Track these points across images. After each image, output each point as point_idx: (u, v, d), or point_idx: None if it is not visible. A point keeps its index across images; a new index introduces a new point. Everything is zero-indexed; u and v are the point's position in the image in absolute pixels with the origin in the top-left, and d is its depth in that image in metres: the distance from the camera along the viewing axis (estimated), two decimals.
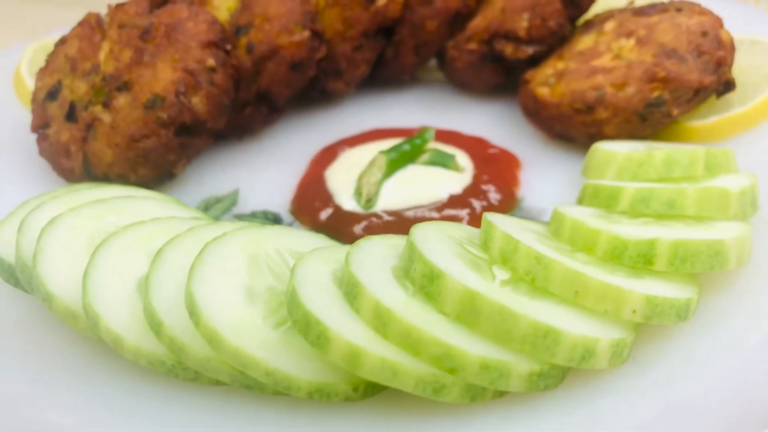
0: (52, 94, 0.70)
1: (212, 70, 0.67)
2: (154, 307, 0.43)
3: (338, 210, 0.63)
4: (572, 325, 0.40)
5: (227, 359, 0.41)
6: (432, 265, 0.41)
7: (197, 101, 0.65)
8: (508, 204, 0.63)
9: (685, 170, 0.55)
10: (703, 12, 0.69)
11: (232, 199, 0.68)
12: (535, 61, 0.75)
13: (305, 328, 0.40)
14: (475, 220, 0.60)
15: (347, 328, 0.39)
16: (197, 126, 0.66)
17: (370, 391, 0.42)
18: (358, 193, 0.64)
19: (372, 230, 0.60)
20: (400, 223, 0.60)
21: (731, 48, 0.66)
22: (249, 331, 0.42)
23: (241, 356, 0.41)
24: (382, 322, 0.40)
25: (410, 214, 0.61)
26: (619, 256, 0.46)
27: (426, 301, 0.41)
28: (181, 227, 0.52)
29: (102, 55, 0.69)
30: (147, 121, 0.64)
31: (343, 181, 0.66)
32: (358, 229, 0.60)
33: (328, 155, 0.71)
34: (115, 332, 0.43)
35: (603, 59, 0.69)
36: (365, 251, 0.44)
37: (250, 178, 0.71)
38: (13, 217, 0.58)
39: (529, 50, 0.74)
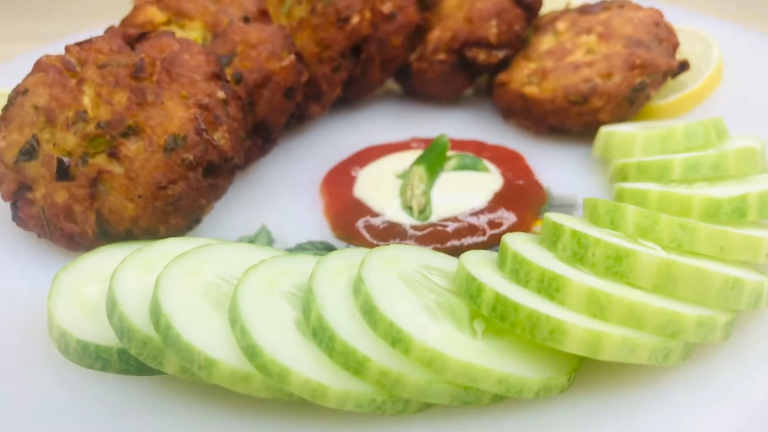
0: (28, 152, 0.60)
1: (225, 102, 0.62)
2: (352, 346, 0.40)
3: (395, 226, 0.62)
4: (746, 275, 0.44)
5: (453, 377, 0.40)
6: (618, 247, 0.44)
7: (219, 137, 0.60)
8: (542, 194, 0.67)
9: (703, 139, 0.63)
10: (641, 7, 0.79)
11: (266, 236, 0.64)
12: (502, 65, 0.80)
13: (534, 327, 0.40)
14: (526, 215, 0.63)
15: (573, 319, 0.40)
16: (224, 164, 0.61)
17: (573, 380, 0.43)
18: (407, 207, 0.64)
19: (438, 239, 0.60)
20: (466, 229, 0.61)
21: (676, 35, 0.76)
22: (460, 346, 0.41)
23: (470, 371, 0.40)
24: (599, 306, 0.41)
25: (467, 219, 0.62)
26: (715, 214, 0.52)
27: (617, 279, 0.44)
28: (296, 264, 0.49)
29: (87, 101, 0.61)
30: (171, 165, 0.58)
31: (383, 198, 0.65)
32: (421, 239, 0.60)
33: (342, 177, 0.70)
34: (315, 383, 0.40)
35: (576, 55, 0.75)
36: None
37: (269, 213, 0.67)
38: (66, 294, 0.49)
39: (500, 54, 0.79)
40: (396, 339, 0.41)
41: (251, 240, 0.63)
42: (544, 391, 0.41)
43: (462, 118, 0.83)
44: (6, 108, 0.63)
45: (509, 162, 0.71)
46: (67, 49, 0.65)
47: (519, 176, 0.68)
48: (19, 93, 0.63)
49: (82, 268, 0.53)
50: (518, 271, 0.44)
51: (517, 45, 0.80)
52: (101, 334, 0.47)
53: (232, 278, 0.48)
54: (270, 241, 0.63)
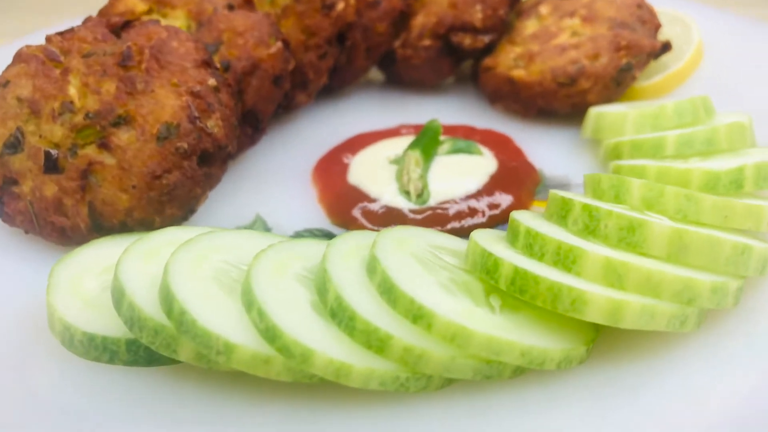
0: (13, 145, 0.58)
1: (217, 90, 0.61)
2: (374, 324, 0.40)
3: (393, 211, 0.62)
4: (753, 242, 0.45)
5: (476, 351, 0.40)
6: (631, 218, 0.44)
7: (212, 124, 0.59)
8: (535, 175, 0.67)
9: (692, 116, 0.64)
10: None
11: (262, 225, 0.63)
12: (487, 49, 0.80)
13: (555, 298, 0.40)
14: (522, 195, 0.63)
15: (594, 289, 0.41)
16: (218, 152, 0.60)
17: (591, 351, 0.44)
18: (404, 191, 0.63)
19: (438, 221, 0.60)
20: (465, 211, 0.61)
21: (657, 16, 0.77)
22: (481, 321, 0.41)
23: (494, 344, 0.40)
24: (616, 275, 0.41)
25: (465, 201, 0.62)
26: (714, 186, 0.53)
27: (629, 250, 0.44)
28: (304, 248, 0.48)
29: (73, 91, 0.59)
30: (165, 154, 0.57)
31: (378, 184, 0.65)
32: (421, 223, 0.60)
33: (333, 165, 0.69)
34: (338, 363, 0.39)
35: (561, 38, 0.76)
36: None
37: (261, 202, 0.66)
38: (65, 288, 0.48)
39: (486, 39, 0.79)
40: (417, 315, 0.40)
41: (247, 229, 0.62)
42: (565, 363, 0.41)
43: (447, 104, 0.83)
44: None
45: (501, 145, 0.71)
46: (48, 38, 0.63)
47: (512, 158, 0.68)
48: (0, 85, 0.60)
49: (78, 262, 0.51)
50: (532, 245, 0.44)
51: (501, 29, 0.80)
52: (107, 326, 0.45)
53: (240, 264, 0.47)
54: (266, 230, 0.62)
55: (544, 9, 0.81)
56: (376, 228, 0.61)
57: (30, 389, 0.46)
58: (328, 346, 0.40)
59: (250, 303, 0.41)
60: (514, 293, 0.42)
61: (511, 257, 0.43)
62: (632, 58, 0.72)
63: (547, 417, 0.42)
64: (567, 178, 0.67)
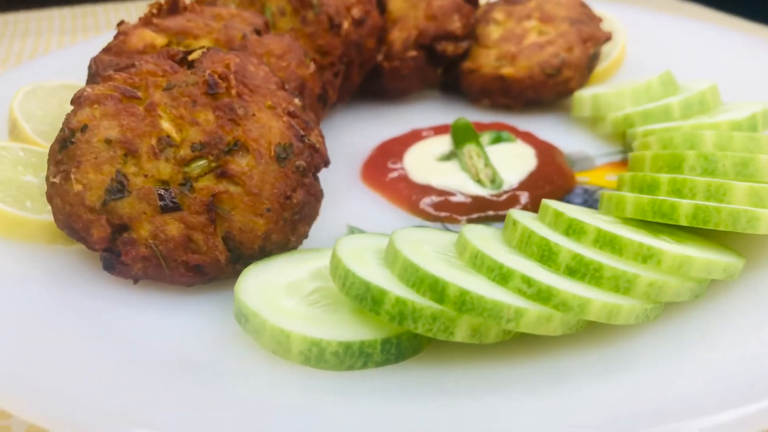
0: (117, 190, 0.55)
1: (304, 108, 0.63)
2: (622, 269, 0.46)
3: (478, 199, 0.67)
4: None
5: (696, 274, 0.48)
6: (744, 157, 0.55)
7: (314, 140, 0.61)
8: (559, 151, 0.77)
9: (671, 86, 0.78)
10: None
11: (360, 233, 0.65)
12: (464, 55, 0.89)
13: (735, 221, 0.50)
14: (565, 170, 0.73)
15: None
16: (324, 166, 0.61)
17: None
18: (476, 180, 0.69)
19: (516, 201, 0.67)
20: (544, 193, 0.68)
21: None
22: (689, 252, 0.49)
23: (710, 264, 0.48)
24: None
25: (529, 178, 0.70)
26: (738, 128, 0.66)
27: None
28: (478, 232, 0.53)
29: (166, 125, 0.57)
30: (288, 174, 0.57)
31: (448, 179, 0.70)
32: (518, 207, 0.67)
33: (385, 172, 0.73)
34: (611, 305, 0.45)
35: (531, 37, 0.87)
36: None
37: (341, 215, 0.68)
38: (278, 313, 0.47)
39: (465, 45, 0.88)
40: (647, 255, 0.48)
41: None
42: (728, 273, 0.50)
43: (430, 110, 0.90)
44: (62, 150, 0.55)
45: (515, 132, 0.80)
46: (110, 77, 0.59)
47: (535, 141, 0.78)
48: (75, 131, 0.56)
49: (254, 295, 0.50)
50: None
51: (472, 36, 0.89)
52: (353, 333, 0.46)
53: (444, 250, 0.50)
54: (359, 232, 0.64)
55: (498, 15, 0.92)
56: (470, 217, 0.66)
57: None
58: (594, 294, 0.45)
59: (507, 274, 0.45)
60: (694, 224, 0.51)
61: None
62: (595, 47, 0.86)
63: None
64: (585, 152, 0.78)
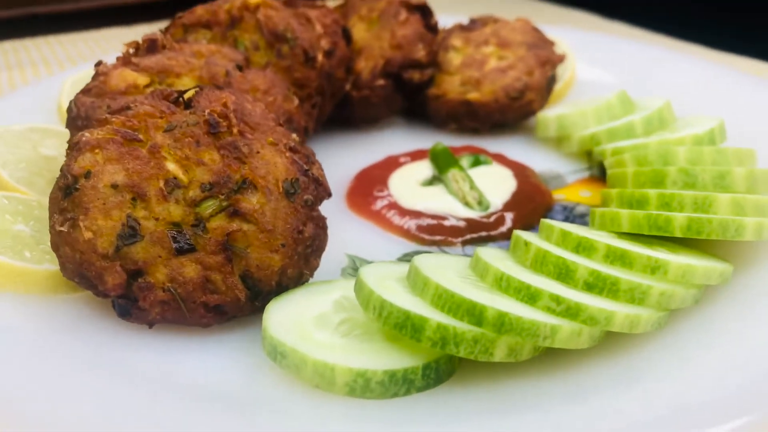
0: (129, 235, 0.54)
1: (302, 142, 0.64)
2: (637, 282, 0.50)
3: (470, 222, 0.70)
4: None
5: (700, 281, 0.52)
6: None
7: (317, 173, 0.62)
8: (532, 170, 0.81)
9: (629, 104, 0.84)
10: (508, 20, 0.99)
11: (362, 261, 0.66)
12: (429, 81, 0.92)
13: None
14: (542, 188, 0.77)
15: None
16: (327, 198, 0.62)
17: None
18: (465, 203, 0.72)
19: (521, 220, 0.71)
20: (527, 212, 0.72)
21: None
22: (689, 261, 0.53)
23: (711, 272, 0.53)
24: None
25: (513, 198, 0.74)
26: (699, 142, 0.72)
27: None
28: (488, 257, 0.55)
29: (172, 166, 0.57)
30: (297, 209, 0.58)
31: (437, 203, 0.72)
32: (505, 227, 0.70)
33: (373, 199, 0.75)
34: (633, 316, 0.48)
35: (491, 63, 0.92)
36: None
37: (337, 244, 0.69)
38: (314, 346, 0.48)
39: (429, 72, 0.91)
40: (655, 267, 0.51)
41: (357, 268, 0.65)
42: (723, 278, 0.55)
43: (397, 135, 0.92)
44: (67, 197, 0.54)
45: (488, 154, 0.83)
46: (107, 120, 0.58)
47: (508, 162, 0.81)
48: (79, 177, 0.55)
49: (284, 330, 0.50)
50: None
51: (435, 63, 0.93)
52: (394, 361, 0.47)
53: (464, 274, 0.52)
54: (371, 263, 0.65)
55: (456, 42, 0.96)
56: (464, 239, 0.68)
57: None
58: (614, 307, 0.49)
59: (537, 294, 0.48)
60: (690, 235, 0.55)
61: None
62: (552, 69, 0.91)
63: None
64: (555, 170, 0.82)
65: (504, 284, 0.50)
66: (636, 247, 0.54)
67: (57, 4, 1.71)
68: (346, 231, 0.71)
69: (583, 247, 0.54)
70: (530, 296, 0.49)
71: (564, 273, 0.52)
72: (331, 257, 0.67)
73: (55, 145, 0.75)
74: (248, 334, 0.56)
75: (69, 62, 1.24)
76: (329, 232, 0.61)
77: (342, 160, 0.85)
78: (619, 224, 0.59)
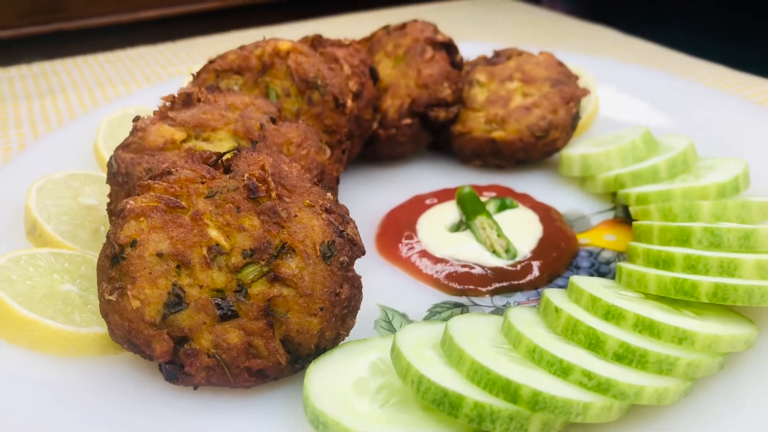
0: (176, 303, 0.56)
1: (337, 202, 0.66)
2: (665, 354, 0.52)
3: (497, 270, 0.72)
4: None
5: (725, 349, 0.54)
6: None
7: (351, 233, 0.64)
8: (557, 211, 0.82)
9: (654, 143, 0.85)
10: (532, 53, 1.00)
11: (393, 313, 0.68)
12: (454, 118, 0.94)
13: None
14: (568, 232, 0.78)
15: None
16: (360, 255, 0.64)
17: None
18: (493, 250, 0.74)
19: (547, 268, 0.72)
20: (553, 259, 0.74)
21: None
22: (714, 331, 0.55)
23: (734, 340, 0.54)
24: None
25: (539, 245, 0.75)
26: (723, 193, 0.74)
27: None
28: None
29: (214, 233, 0.59)
30: (334, 271, 0.60)
31: (465, 252, 0.74)
32: (532, 276, 0.72)
33: (400, 246, 0.77)
34: (661, 389, 0.50)
35: (516, 100, 0.93)
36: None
37: (367, 295, 0.71)
38: (354, 417, 0.51)
39: (455, 110, 0.92)
40: (682, 338, 0.53)
41: (390, 321, 0.67)
42: (748, 344, 0.56)
43: (423, 170, 0.94)
44: (114, 266, 0.57)
45: (514, 195, 0.85)
46: (149, 186, 0.61)
47: (534, 204, 0.83)
48: (125, 246, 0.57)
49: (329, 395, 0.53)
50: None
51: (460, 100, 0.94)
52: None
53: (496, 340, 0.55)
54: (401, 316, 0.68)
55: (481, 76, 0.97)
56: (491, 288, 0.70)
57: None
58: (642, 380, 0.50)
59: (569, 369, 0.50)
60: (715, 301, 0.57)
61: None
62: (577, 106, 0.92)
63: None
64: (580, 211, 0.84)
65: (537, 356, 0.52)
66: (663, 315, 0.55)
67: (82, 20, 1.73)
68: (376, 279, 0.73)
69: (612, 315, 0.56)
70: (563, 370, 0.51)
71: (594, 343, 0.54)
72: (364, 308, 0.69)
73: (94, 193, 0.78)
74: (290, 394, 0.59)
75: (98, 87, 1.26)
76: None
77: (369, 197, 0.87)
78: (646, 286, 0.60)
